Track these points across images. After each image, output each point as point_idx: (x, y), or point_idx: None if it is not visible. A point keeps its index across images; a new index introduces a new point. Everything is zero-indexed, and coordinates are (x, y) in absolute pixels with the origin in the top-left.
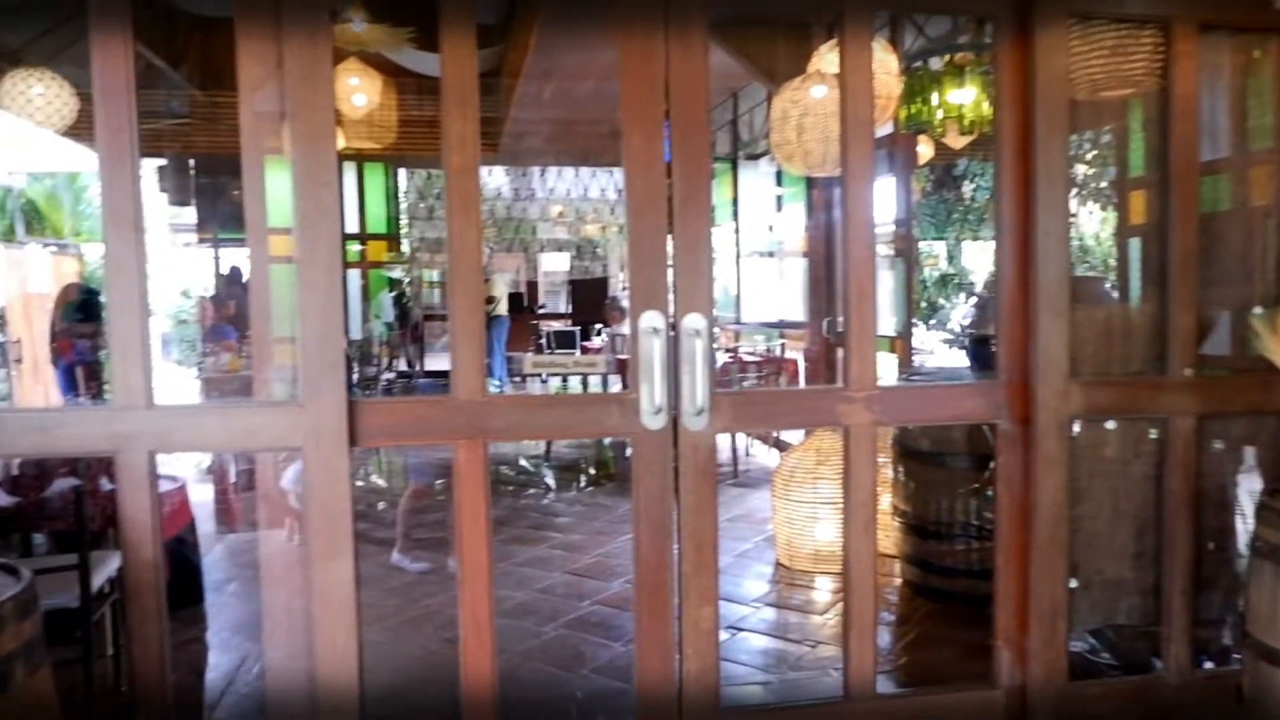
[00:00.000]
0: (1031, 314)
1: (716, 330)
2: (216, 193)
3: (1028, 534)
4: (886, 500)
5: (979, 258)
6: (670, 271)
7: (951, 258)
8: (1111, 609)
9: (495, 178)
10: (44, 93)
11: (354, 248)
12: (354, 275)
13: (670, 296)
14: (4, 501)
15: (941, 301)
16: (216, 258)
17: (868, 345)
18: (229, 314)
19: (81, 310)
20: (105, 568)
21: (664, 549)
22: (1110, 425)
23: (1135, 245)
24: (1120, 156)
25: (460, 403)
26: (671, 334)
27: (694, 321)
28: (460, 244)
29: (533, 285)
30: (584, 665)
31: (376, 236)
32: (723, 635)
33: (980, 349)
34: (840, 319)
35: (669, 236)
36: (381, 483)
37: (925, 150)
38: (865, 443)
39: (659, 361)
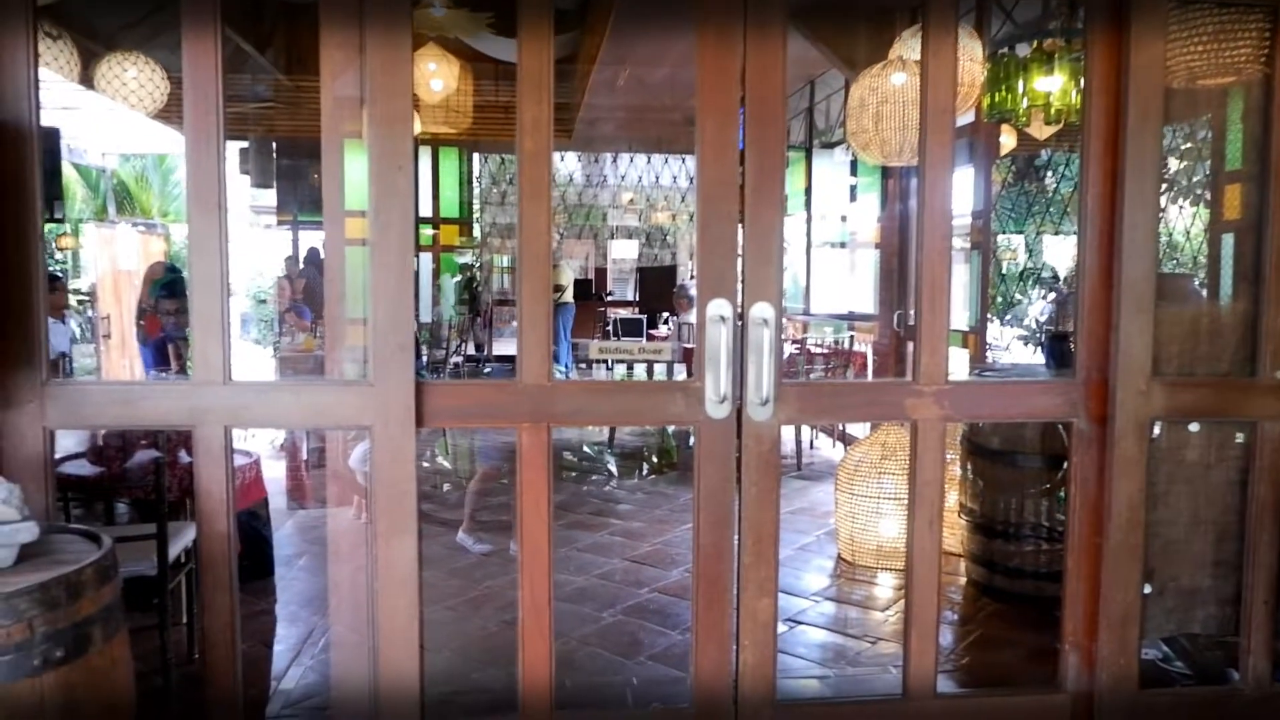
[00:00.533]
0: (1114, 310)
1: (785, 321)
2: (297, 175)
3: (1100, 536)
4: (953, 498)
5: (1059, 252)
6: (739, 260)
7: (1031, 252)
8: (1187, 617)
9: (568, 163)
10: (137, 76)
11: (427, 231)
12: (426, 259)
13: (739, 285)
14: (89, 471)
15: (1019, 297)
16: (296, 239)
17: (939, 339)
18: (304, 294)
19: (168, 288)
20: (182, 538)
21: (724, 539)
22: (1193, 428)
23: (1228, 242)
24: (1217, 149)
25: (525, 387)
26: (739, 323)
27: (762, 310)
28: (530, 229)
29: (601, 272)
30: (641, 652)
31: (450, 221)
32: (781, 628)
33: (1058, 346)
34: (911, 312)
35: (739, 225)
36: (447, 465)
37: (1008, 140)
38: (933, 438)
39: (725, 350)
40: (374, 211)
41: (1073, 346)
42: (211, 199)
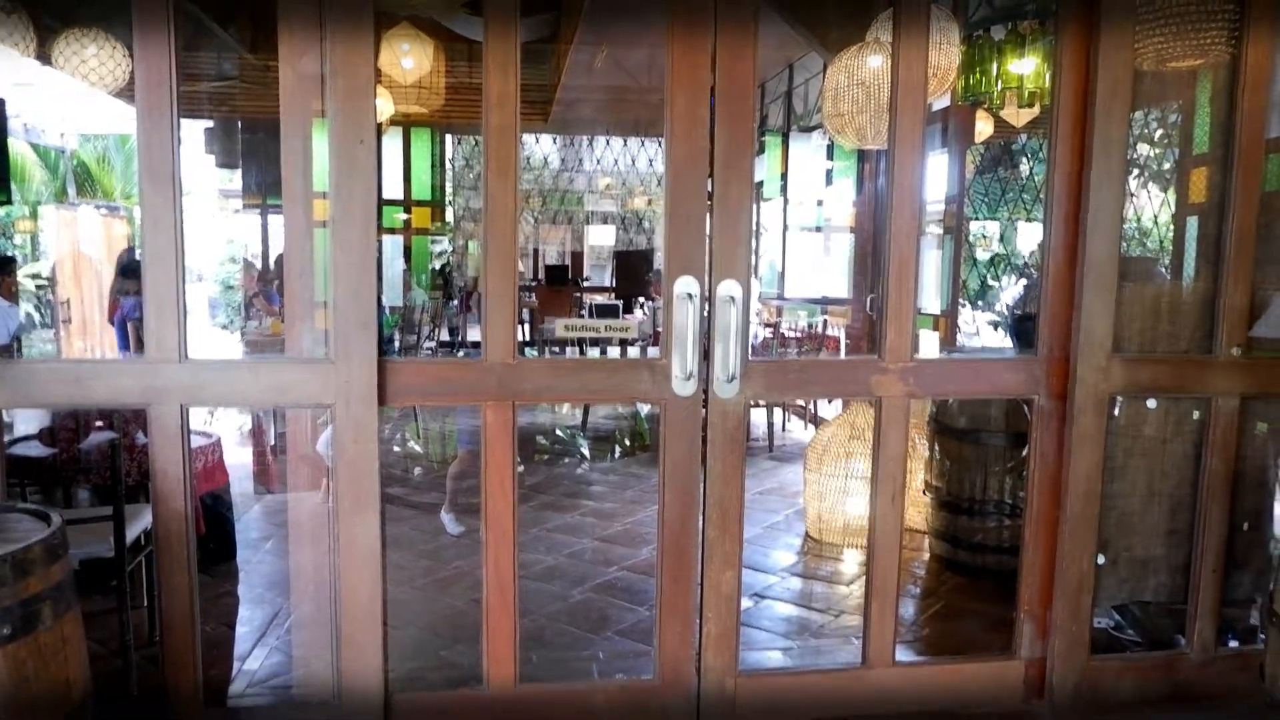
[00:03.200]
0: (1077, 289)
1: (759, 305)
2: (265, 156)
3: (1059, 509)
4: (921, 477)
5: (1032, 239)
6: (708, 238)
7: (1003, 238)
8: (1139, 585)
9: (543, 146)
10: (97, 53)
11: (399, 216)
12: (397, 242)
13: (707, 263)
14: (40, 453)
15: (991, 282)
16: (265, 223)
17: (906, 316)
18: (271, 278)
19: (125, 268)
20: (140, 520)
21: (689, 515)
22: (1151, 404)
23: (1192, 225)
24: (1185, 132)
25: (490, 365)
26: (707, 301)
27: (730, 289)
28: (496, 206)
29: (578, 256)
30: (608, 628)
31: (422, 203)
32: (747, 602)
33: (1023, 326)
34: (882, 296)
35: (709, 202)
36: (419, 449)
37: (984, 127)
38: (898, 414)
39: (692, 328)
40: (335, 186)
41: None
42: (165, 171)
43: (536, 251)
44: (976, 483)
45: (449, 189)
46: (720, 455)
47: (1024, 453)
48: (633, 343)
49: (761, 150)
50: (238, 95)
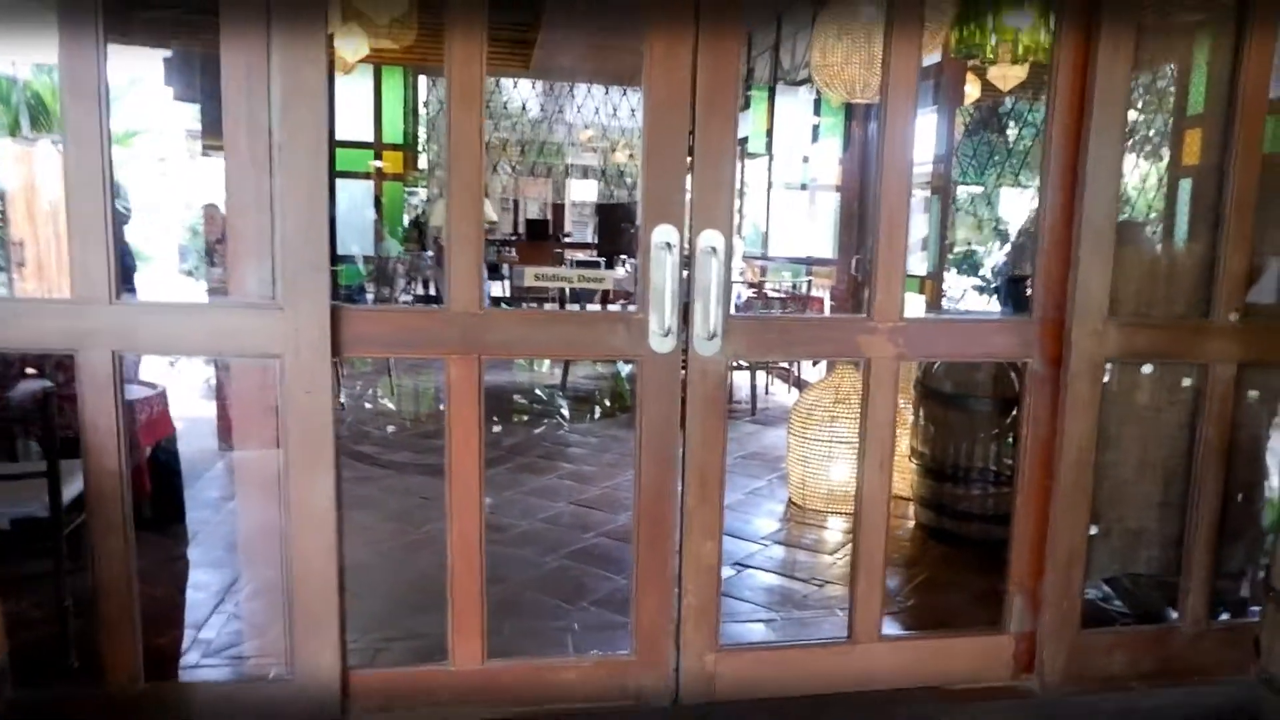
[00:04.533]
0: (1073, 249)
1: (742, 264)
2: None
3: (1050, 479)
4: (906, 443)
5: (1018, 203)
6: (688, 184)
7: (989, 202)
8: (1131, 557)
9: (522, 92)
10: None
11: (373, 163)
12: (369, 188)
13: (686, 211)
14: None
15: (975, 247)
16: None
17: (895, 274)
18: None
19: None
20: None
21: (667, 481)
22: (1146, 370)
23: (1185, 188)
24: (1181, 91)
25: (454, 314)
26: (687, 252)
27: (711, 239)
28: (460, 139)
29: (559, 210)
30: (584, 597)
31: (393, 147)
32: (728, 571)
33: (1014, 289)
34: (870, 254)
35: (689, 146)
36: (391, 406)
37: (971, 90)
38: (886, 377)
39: (670, 280)
40: (281, 110)
41: (1028, 290)
42: (88, 84)
43: (516, 204)
44: (963, 449)
45: (422, 134)
46: (700, 418)
47: (1009, 419)
48: (612, 299)
49: (747, 105)
50: (197, 23)
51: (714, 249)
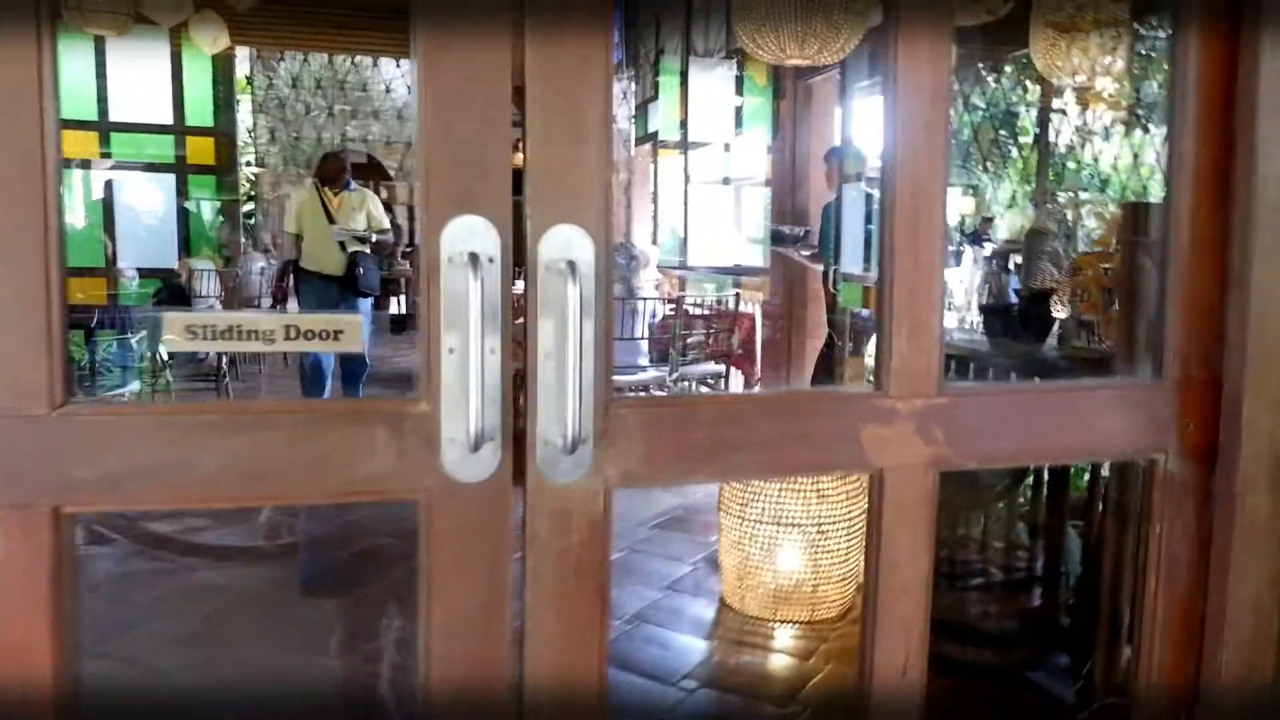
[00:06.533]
0: (1233, 251)
1: (659, 277)
2: None
3: (1196, 659)
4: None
5: (961, 205)
6: (517, 146)
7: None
8: None
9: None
10: None
11: (176, 152)
12: (168, 182)
13: (509, 193)
14: None
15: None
16: None
17: (925, 311)
18: None
19: None
20: None
21: None
22: None
23: None
24: None
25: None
26: (516, 272)
27: (565, 245)
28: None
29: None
30: None
31: (199, 131)
32: None
33: (1001, 319)
34: (844, 266)
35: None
36: None
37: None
38: (914, 501)
39: (477, 329)
40: None
41: (1054, 317)
42: None
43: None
44: (970, 543)
45: (246, 114)
46: (554, 608)
47: (1020, 487)
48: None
49: (655, 95)
50: None
51: (572, 265)
